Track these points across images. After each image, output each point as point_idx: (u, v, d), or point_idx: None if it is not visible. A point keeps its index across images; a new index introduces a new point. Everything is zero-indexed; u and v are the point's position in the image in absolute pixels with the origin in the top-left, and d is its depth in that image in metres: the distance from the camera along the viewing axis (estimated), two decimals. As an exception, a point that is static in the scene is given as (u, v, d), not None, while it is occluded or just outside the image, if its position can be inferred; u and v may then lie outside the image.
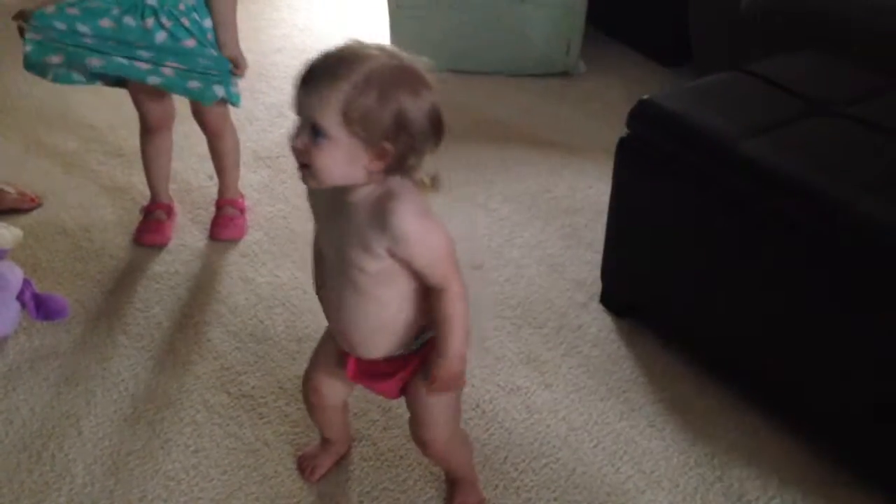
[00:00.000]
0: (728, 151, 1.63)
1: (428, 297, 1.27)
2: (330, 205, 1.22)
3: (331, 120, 1.09)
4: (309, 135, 1.11)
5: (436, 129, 1.15)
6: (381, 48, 1.14)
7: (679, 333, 1.87)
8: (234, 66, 1.94)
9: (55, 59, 1.88)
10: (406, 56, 1.14)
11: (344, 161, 1.12)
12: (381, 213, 1.16)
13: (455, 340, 1.25)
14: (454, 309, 1.24)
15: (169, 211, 2.21)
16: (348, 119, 1.09)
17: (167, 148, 2.18)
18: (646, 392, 1.78)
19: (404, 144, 1.12)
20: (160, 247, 2.15)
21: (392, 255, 1.18)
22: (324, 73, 1.11)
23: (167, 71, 1.89)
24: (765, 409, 1.72)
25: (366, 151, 1.12)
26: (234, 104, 2.02)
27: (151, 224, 2.16)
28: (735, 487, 1.58)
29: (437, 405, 1.36)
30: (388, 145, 1.12)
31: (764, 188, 1.58)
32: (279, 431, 1.67)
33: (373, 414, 1.71)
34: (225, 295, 2.01)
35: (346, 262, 1.22)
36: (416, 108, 1.12)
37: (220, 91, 1.95)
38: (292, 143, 1.13)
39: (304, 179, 1.16)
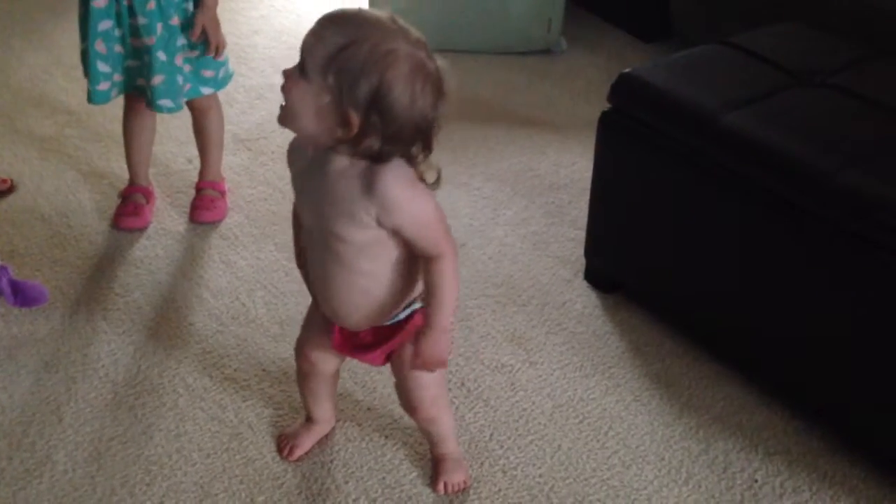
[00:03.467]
0: (710, 124, 1.62)
1: (415, 268, 1.26)
2: (311, 172, 1.21)
3: (314, 62, 1.09)
4: (298, 70, 1.12)
5: (421, 137, 1.14)
6: (412, 36, 1.12)
7: (663, 308, 1.87)
8: (208, 49, 1.96)
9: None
10: (434, 59, 1.13)
11: (311, 109, 1.11)
12: (368, 181, 1.15)
13: (444, 311, 1.24)
14: (445, 278, 1.22)
15: (148, 195, 2.18)
16: (327, 69, 1.08)
17: (150, 128, 2.14)
18: (631, 367, 1.78)
19: (372, 124, 1.10)
20: (139, 231, 2.12)
21: (380, 223, 1.17)
22: (338, 19, 1.12)
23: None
24: (749, 381, 1.72)
25: (333, 112, 1.10)
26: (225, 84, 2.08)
27: (130, 207, 2.13)
28: (720, 460, 1.59)
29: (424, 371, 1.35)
30: (354, 116, 1.10)
31: (746, 161, 1.58)
32: (262, 414, 1.66)
33: (357, 395, 1.70)
34: (206, 278, 1.99)
35: (328, 233, 1.21)
36: (401, 98, 1.09)
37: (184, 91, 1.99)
38: (284, 70, 1.14)
39: (279, 118, 1.16)
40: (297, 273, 1.47)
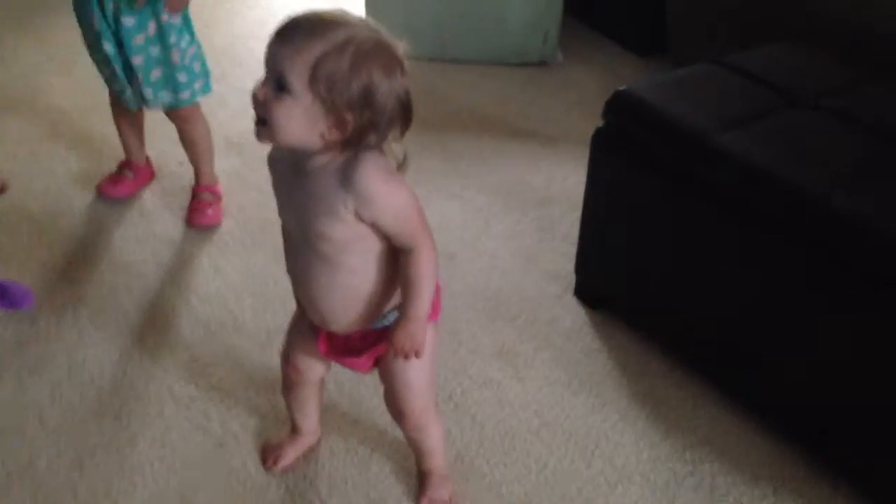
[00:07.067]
0: (703, 144, 1.62)
1: (398, 264, 1.25)
2: (291, 174, 1.20)
3: (297, 75, 1.08)
4: (272, 87, 1.09)
5: (404, 114, 1.14)
6: (363, 21, 1.12)
7: (653, 326, 1.87)
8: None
9: None
10: (385, 34, 1.13)
11: (301, 121, 1.10)
12: (345, 175, 1.14)
13: (420, 302, 1.23)
14: (422, 270, 1.22)
15: (136, 170, 2.23)
16: (315, 78, 1.07)
17: (138, 118, 2.18)
18: (618, 385, 1.77)
19: (366, 120, 1.10)
20: (117, 200, 2.19)
21: (359, 217, 1.16)
22: (302, 28, 1.09)
23: None
24: (737, 403, 1.72)
25: (325, 117, 1.10)
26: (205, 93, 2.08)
27: (113, 177, 2.21)
28: (706, 482, 1.58)
29: (411, 375, 1.35)
30: (348, 116, 1.10)
31: (738, 181, 1.58)
32: (247, 424, 1.64)
33: (343, 407, 1.69)
34: (195, 284, 1.98)
35: (309, 231, 1.20)
36: (386, 87, 1.10)
37: (167, 97, 2.01)
38: (254, 92, 1.11)
39: (259, 135, 1.13)
40: (285, 281, 1.45)
